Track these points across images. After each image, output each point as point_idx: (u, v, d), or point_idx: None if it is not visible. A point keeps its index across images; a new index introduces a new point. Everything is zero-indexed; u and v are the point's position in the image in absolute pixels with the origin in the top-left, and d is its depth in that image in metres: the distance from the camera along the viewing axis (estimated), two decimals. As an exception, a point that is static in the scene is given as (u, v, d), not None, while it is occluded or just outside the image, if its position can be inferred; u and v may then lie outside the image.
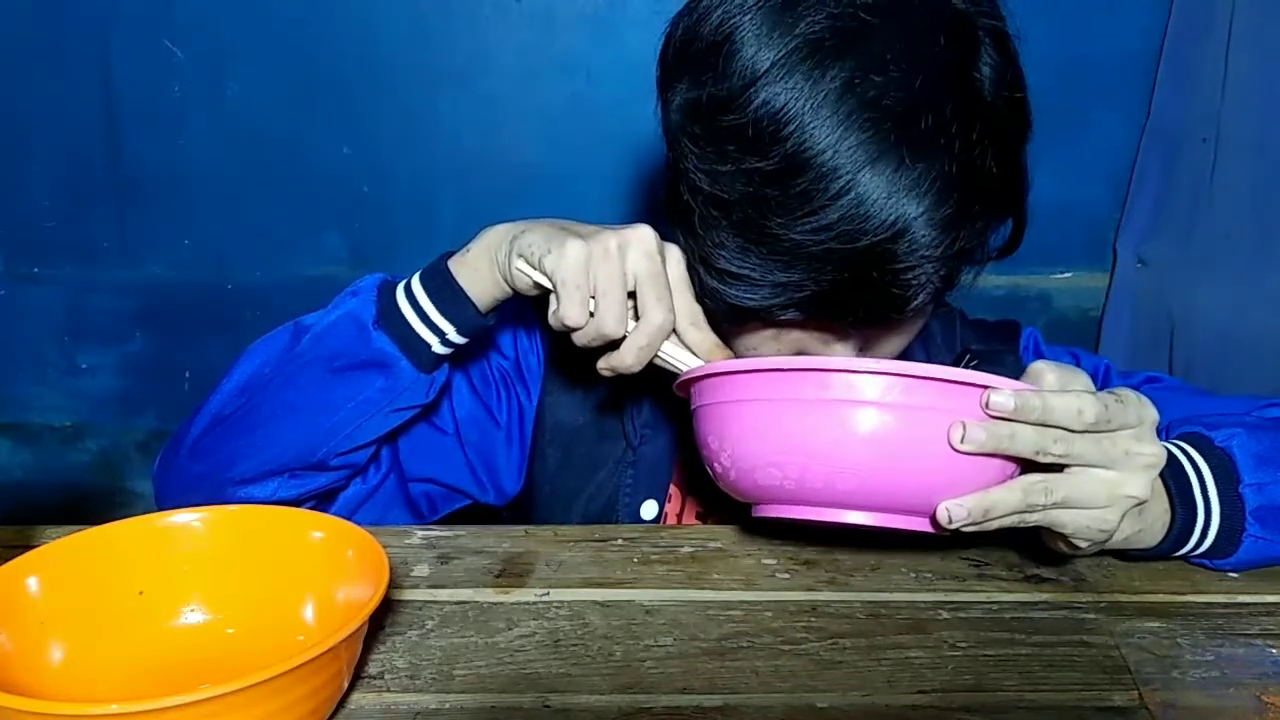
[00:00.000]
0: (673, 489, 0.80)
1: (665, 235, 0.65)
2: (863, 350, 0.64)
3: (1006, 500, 0.54)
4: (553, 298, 0.61)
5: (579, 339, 0.62)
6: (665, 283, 0.61)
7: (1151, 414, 0.56)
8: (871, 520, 0.56)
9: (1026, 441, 0.53)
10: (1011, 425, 0.53)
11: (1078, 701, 0.53)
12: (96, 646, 0.54)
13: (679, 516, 0.81)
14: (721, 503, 0.80)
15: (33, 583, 0.53)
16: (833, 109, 0.55)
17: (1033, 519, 0.56)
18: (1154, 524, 0.62)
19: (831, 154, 0.55)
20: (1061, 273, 1.25)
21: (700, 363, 0.62)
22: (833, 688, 0.54)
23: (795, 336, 0.63)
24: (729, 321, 0.64)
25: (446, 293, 0.67)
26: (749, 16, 0.57)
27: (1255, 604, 0.63)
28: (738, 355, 0.66)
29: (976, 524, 0.55)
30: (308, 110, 1.19)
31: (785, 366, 0.55)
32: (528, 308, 0.83)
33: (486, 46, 1.17)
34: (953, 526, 0.54)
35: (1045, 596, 0.63)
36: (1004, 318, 0.87)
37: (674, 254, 0.63)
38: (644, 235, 0.61)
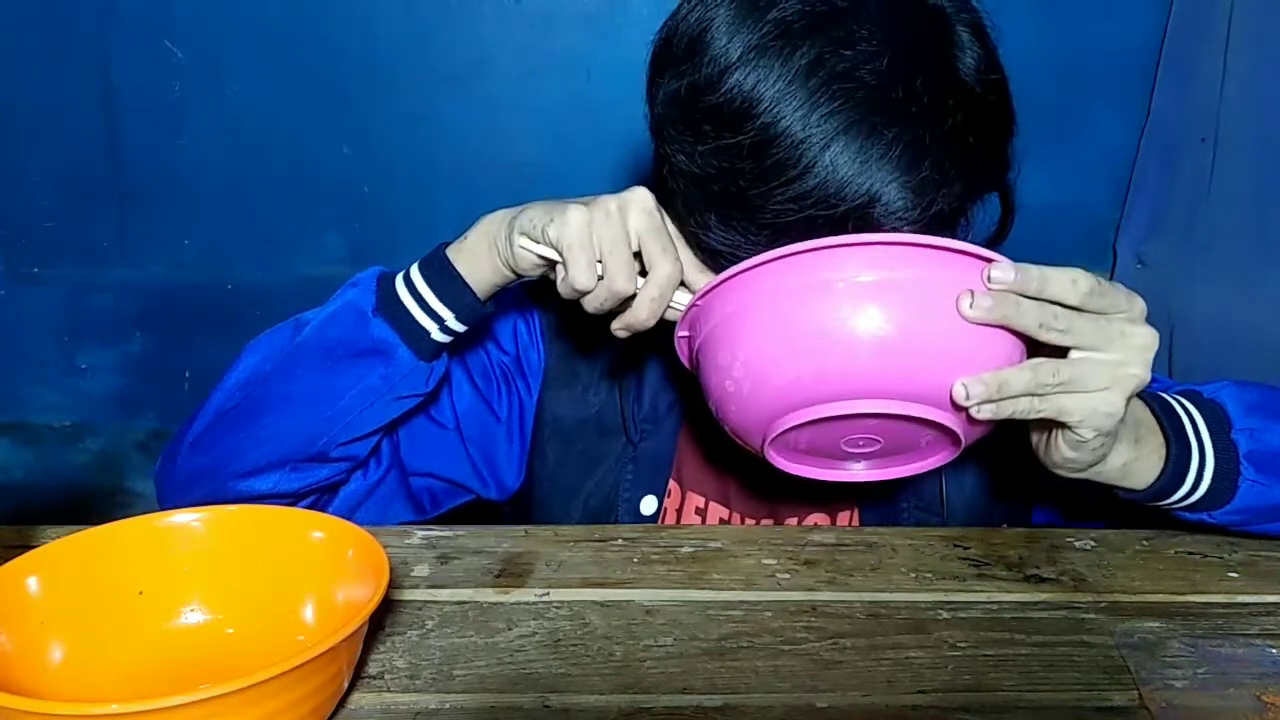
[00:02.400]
0: (672, 484, 0.80)
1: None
2: None
3: (1018, 378, 0.55)
4: (559, 267, 0.62)
5: (590, 303, 0.62)
6: (668, 235, 0.61)
7: (1140, 303, 0.57)
8: (891, 407, 0.55)
9: (1030, 313, 0.54)
10: (1016, 297, 0.54)
11: (1077, 701, 0.53)
12: (96, 646, 0.54)
13: (678, 512, 0.81)
14: (722, 497, 0.81)
15: (33, 583, 0.53)
16: (803, 82, 0.56)
17: (1041, 405, 0.56)
18: (1150, 456, 0.63)
19: (803, 125, 0.56)
20: (1061, 273, 1.25)
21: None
22: (833, 688, 0.54)
23: None
24: None
25: (445, 280, 0.67)
26: (723, 9, 0.60)
27: (1255, 604, 0.63)
28: None
29: (992, 402, 0.55)
30: (308, 110, 1.19)
31: (788, 252, 0.55)
32: (529, 302, 0.83)
33: (486, 47, 1.17)
34: (970, 403, 0.54)
35: (1045, 596, 0.63)
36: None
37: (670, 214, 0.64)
38: (641, 194, 0.61)
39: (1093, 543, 0.70)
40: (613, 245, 0.60)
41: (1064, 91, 1.17)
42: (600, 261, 0.60)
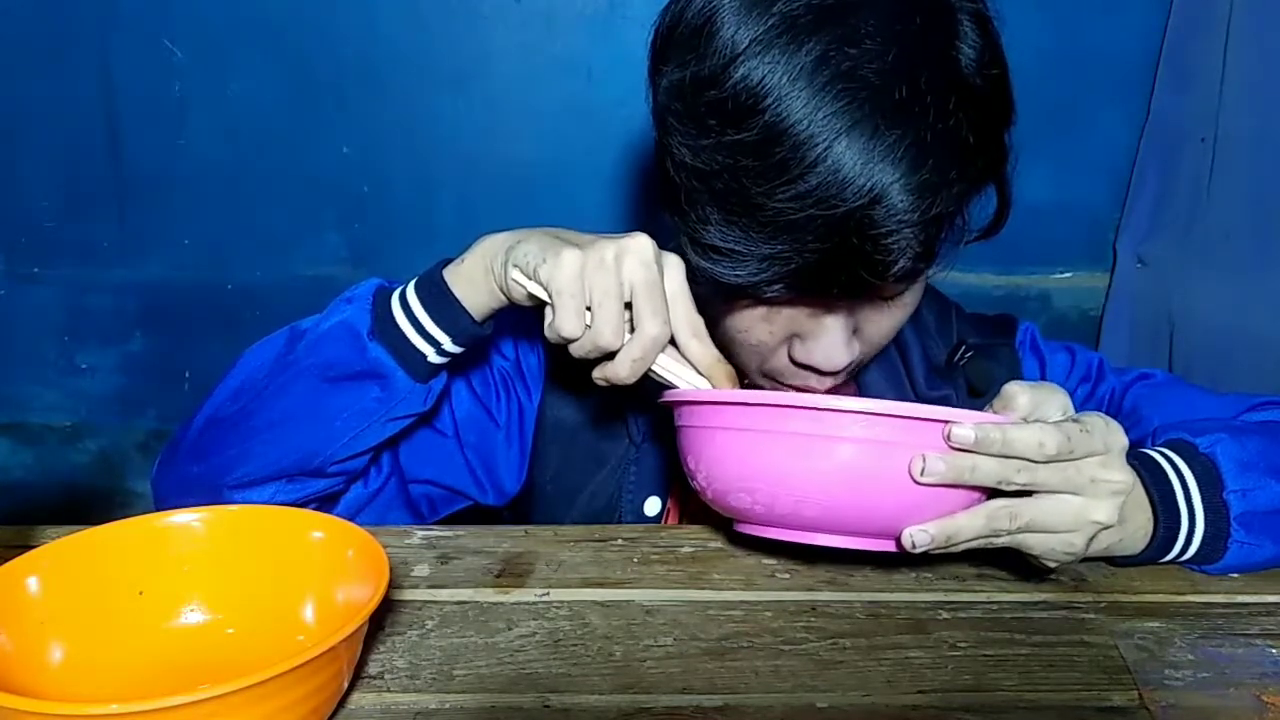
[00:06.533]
0: (674, 485, 0.80)
1: (663, 228, 0.65)
2: (855, 332, 0.65)
3: (971, 525, 0.56)
4: (548, 309, 0.61)
5: (575, 350, 0.61)
6: (662, 293, 0.60)
7: (1119, 440, 0.57)
8: (840, 543, 0.58)
9: (988, 473, 0.54)
10: (973, 457, 0.54)
11: (1077, 701, 0.53)
12: (96, 646, 0.54)
13: (680, 513, 0.81)
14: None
15: (33, 583, 0.53)
16: (808, 80, 0.56)
17: (999, 542, 0.57)
18: (1136, 532, 0.62)
19: (807, 123, 0.56)
20: (1061, 272, 1.25)
21: (697, 376, 0.62)
22: (833, 688, 0.54)
23: (787, 315, 0.64)
24: (719, 301, 0.65)
25: (442, 303, 0.66)
26: (729, 1, 0.59)
27: (1255, 604, 0.63)
28: (731, 338, 0.67)
29: (941, 548, 0.56)
30: (308, 110, 1.19)
31: (752, 401, 0.57)
32: (527, 310, 0.83)
33: (486, 47, 1.17)
34: (917, 551, 0.56)
35: (1045, 596, 0.63)
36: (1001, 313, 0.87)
37: (672, 263, 0.62)
38: (641, 244, 0.60)
39: (1093, 543, 0.70)
40: (603, 296, 0.59)
41: (1064, 91, 1.17)
42: (589, 309, 0.60)
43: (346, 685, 0.51)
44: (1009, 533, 0.56)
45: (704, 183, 0.60)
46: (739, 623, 0.60)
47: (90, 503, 1.34)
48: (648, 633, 0.59)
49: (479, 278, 0.65)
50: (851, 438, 0.54)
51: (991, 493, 0.57)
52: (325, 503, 0.73)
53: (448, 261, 0.67)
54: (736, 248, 0.60)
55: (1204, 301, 1.16)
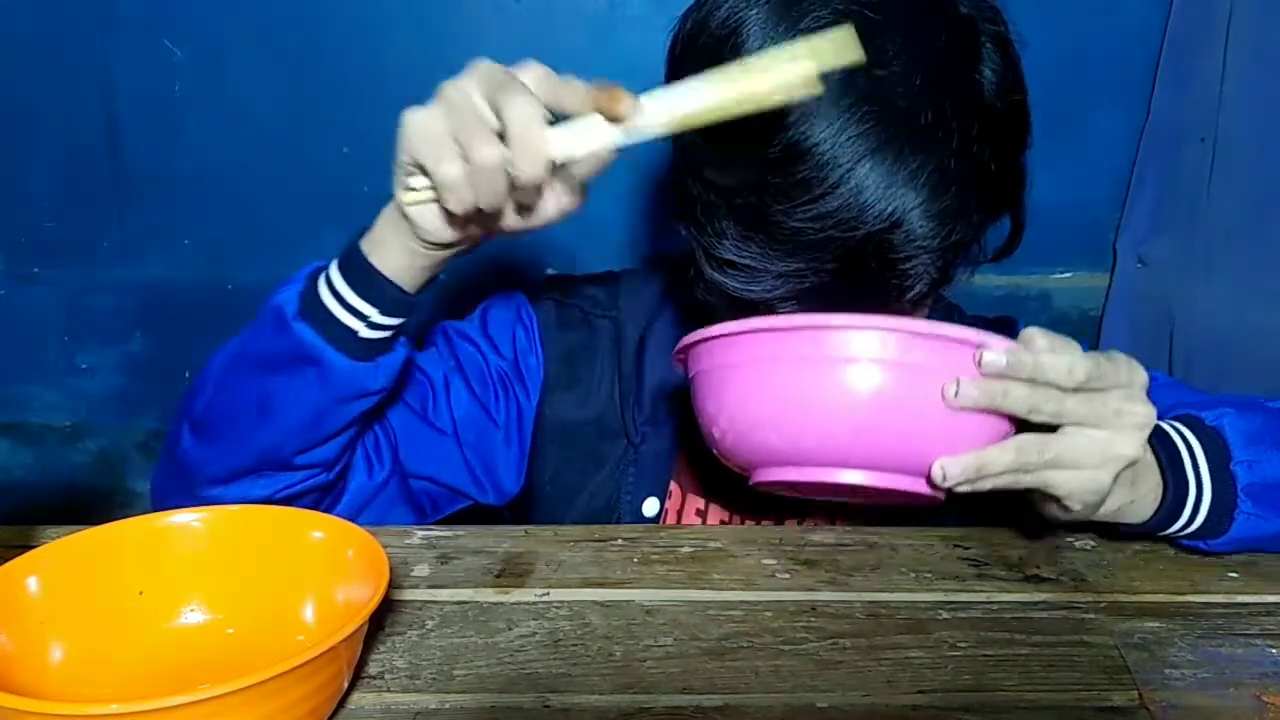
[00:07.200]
0: (673, 486, 0.80)
1: (672, 235, 0.65)
2: None
3: (1000, 459, 0.55)
4: (437, 190, 0.56)
5: (484, 199, 0.55)
6: (513, 77, 0.54)
7: (1141, 376, 0.56)
8: (866, 479, 0.56)
9: (1019, 399, 0.54)
10: (1004, 383, 0.54)
11: (1077, 701, 0.53)
12: (96, 646, 0.54)
13: (679, 513, 0.81)
14: (722, 498, 0.81)
15: (33, 583, 0.53)
16: (834, 100, 0.55)
17: (1026, 479, 0.56)
18: (1146, 495, 0.62)
19: (831, 144, 0.55)
20: (1061, 273, 1.25)
21: (592, 124, 0.54)
22: (833, 688, 0.54)
23: None
24: (730, 314, 0.64)
25: (361, 274, 0.63)
26: (755, 10, 0.58)
27: (1255, 604, 0.63)
28: None
29: (970, 482, 0.55)
30: (308, 110, 1.19)
31: (777, 326, 0.55)
32: (528, 307, 0.83)
33: (486, 46, 1.15)
34: (947, 484, 0.55)
35: (1045, 596, 0.63)
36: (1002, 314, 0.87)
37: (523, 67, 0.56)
38: (475, 66, 0.56)
39: (1093, 543, 0.70)
40: (461, 122, 0.54)
41: (1064, 91, 1.17)
42: (458, 145, 0.54)
43: (346, 685, 0.51)
44: (1037, 467, 0.55)
45: (722, 197, 0.59)
46: (739, 623, 0.60)
47: (90, 503, 1.34)
48: (648, 633, 0.59)
49: (390, 238, 0.62)
50: (883, 359, 0.53)
51: (1018, 431, 0.56)
52: (326, 496, 0.72)
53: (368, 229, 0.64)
54: (752, 264, 0.59)
55: (1204, 301, 1.15)
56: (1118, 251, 1.23)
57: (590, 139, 0.54)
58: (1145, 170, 1.19)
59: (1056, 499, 0.58)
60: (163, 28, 1.15)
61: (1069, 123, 1.18)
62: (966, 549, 0.69)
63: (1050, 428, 0.55)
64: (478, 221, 0.60)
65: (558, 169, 0.56)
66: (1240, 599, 0.63)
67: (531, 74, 0.55)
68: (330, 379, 0.64)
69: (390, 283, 0.63)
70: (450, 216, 0.59)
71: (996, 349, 0.53)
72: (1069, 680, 0.55)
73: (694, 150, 0.60)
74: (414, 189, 0.58)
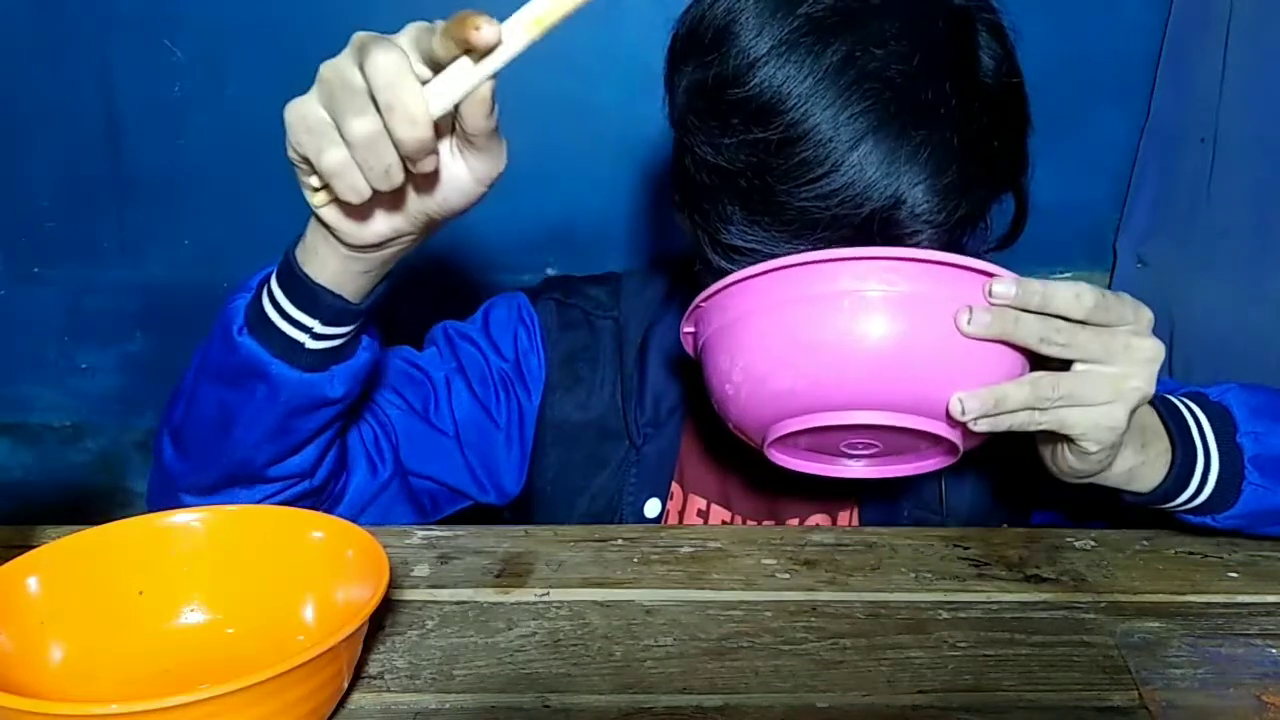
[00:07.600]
0: (674, 486, 0.80)
1: (674, 235, 0.64)
2: None
3: (1017, 393, 0.55)
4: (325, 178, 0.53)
5: (375, 179, 0.51)
6: (380, 38, 0.52)
7: (1147, 313, 0.57)
8: (886, 419, 0.56)
9: (1030, 328, 0.54)
10: (1015, 312, 0.54)
11: (1077, 701, 0.53)
12: (96, 646, 0.54)
13: (680, 514, 0.81)
14: (723, 498, 0.81)
15: (33, 583, 0.53)
16: (833, 80, 0.56)
17: (1041, 418, 0.56)
18: (1156, 460, 0.63)
19: (832, 123, 0.56)
20: (1061, 272, 1.25)
21: (461, 66, 0.51)
22: (833, 688, 0.54)
23: None
24: None
25: (297, 285, 0.60)
26: (752, 1, 0.59)
27: (1255, 604, 0.63)
28: None
29: (989, 417, 0.55)
30: (308, 110, 1.19)
31: (787, 264, 0.55)
32: (529, 309, 0.83)
33: (486, 46, 1.17)
34: (965, 418, 0.55)
35: (1045, 596, 0.63)
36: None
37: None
38: (353, 37, 0.54)
39: (1093, 543, 0.70)
40: (335, 99, 0.52)
41: (1064, 91, 1.17)
42: (336, 127, 0.51)
43: (346, 685, 0.51)
44: (1051, 404, 0.55)
45: (727, 181, 0.60)
46: (739, 623, 0.60)
47: (90, 503, 1.34)
48: (648, 633, 0.59)
49: (319, 244, 0.59)
50: (894, 290, 0.54)
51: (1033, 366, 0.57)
52: (321, 500, 0.72)
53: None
54: (759, 247, 0.59)
55: (1204, 301, 1.15)
56: (1118, 251, 1.23)
57: (463, 79, 0.50)
58: (1145, 170, 1.19)
59: (1072, 440, 0.58)
60: (163, 28, 1.15)
61: (1069, 122, 1.18)
62: (966, 549, 0.69)
63: (1063, 367, 0.56)
64: (386, 208, 0.56)
65: (455, 131, 0.52)
66: (1240, 599, 0.63)
67: (406, 33, 0.52)
68: (282, 392, 0.61)
69: (329, 293, 0.59)
70: (353, 210, 0.55)
71: (1006, 279, 0.54)
72: (1069, 680, 0.55)
73: (695, 136, 0.61)
74: (317, 188, 0.54)
